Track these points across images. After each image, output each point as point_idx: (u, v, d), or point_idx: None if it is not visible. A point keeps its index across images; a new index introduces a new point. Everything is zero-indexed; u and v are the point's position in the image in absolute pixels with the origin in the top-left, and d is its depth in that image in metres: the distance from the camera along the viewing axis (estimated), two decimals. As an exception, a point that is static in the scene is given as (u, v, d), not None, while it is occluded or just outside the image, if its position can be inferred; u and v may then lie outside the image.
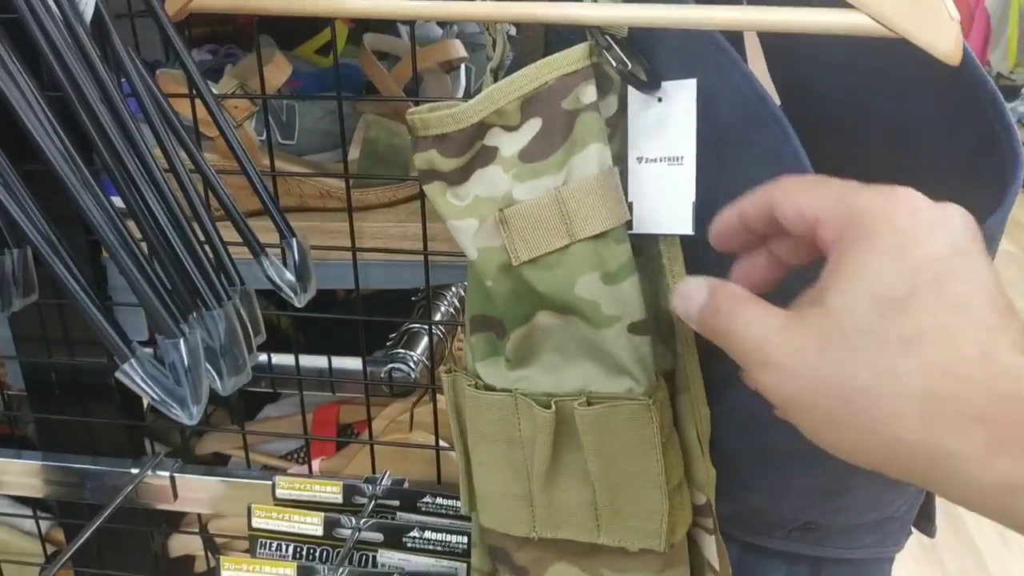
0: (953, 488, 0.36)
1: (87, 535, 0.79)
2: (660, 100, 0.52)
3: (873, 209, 0.38)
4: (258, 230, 0.62)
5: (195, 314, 0.54)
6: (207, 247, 0.58)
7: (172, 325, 0.50)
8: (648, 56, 0.53)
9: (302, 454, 1.13)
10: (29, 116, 0.48)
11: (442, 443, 0.87)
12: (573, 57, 0.52)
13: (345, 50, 1.12)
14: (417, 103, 0.72)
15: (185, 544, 1.01)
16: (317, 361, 0.92)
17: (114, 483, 0.85)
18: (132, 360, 0.50)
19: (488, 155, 0.54)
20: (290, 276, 0.64)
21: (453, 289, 1.03)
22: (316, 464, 1.04)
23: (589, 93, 0.52)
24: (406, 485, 0.77)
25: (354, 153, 0.86)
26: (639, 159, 0.52)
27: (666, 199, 0.52)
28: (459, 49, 0.91)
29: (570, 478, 0.57)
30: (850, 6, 0.47)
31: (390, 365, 0.86)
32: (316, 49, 1.25)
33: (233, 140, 0.60)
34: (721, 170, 0.52)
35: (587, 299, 0.53)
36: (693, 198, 0.51)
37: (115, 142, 0.50)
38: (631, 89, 0.53)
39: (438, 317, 0.98)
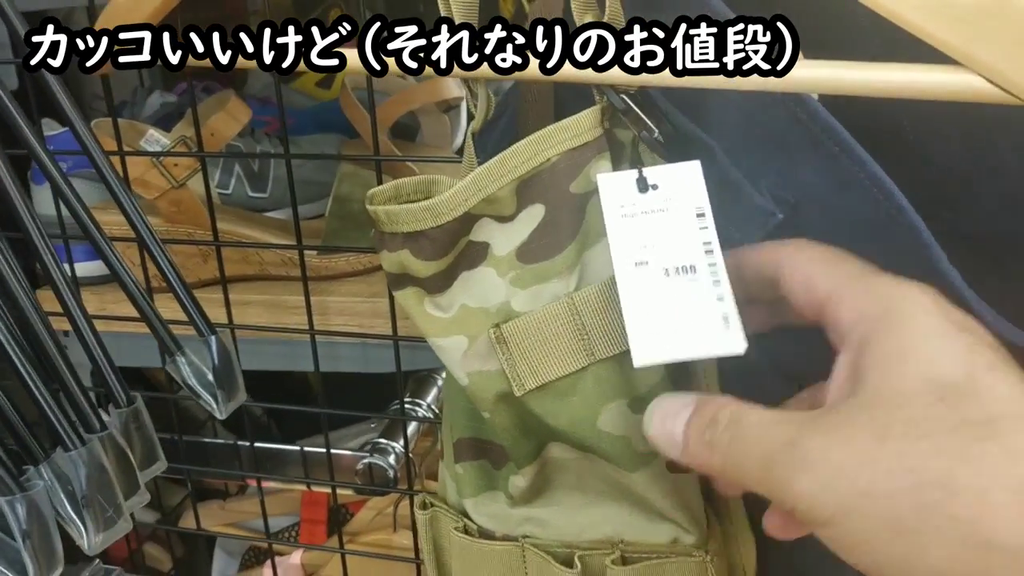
0: None
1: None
2: (654, 187, 0.39)
3: (900, 293, 0.34)
4: (207, 303, 0.50)
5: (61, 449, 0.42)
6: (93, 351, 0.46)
7: (6, 478, 0.38)
8: (690, 113, 0.41)
9: (294, 533, 1.02)
10: None
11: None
12: (582, 125, 0.40)
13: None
14: (378, 160, 0.60)
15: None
16: (290, 448, 0.79)
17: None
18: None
19: (476, 254, 0.42)
20: (211, 379, 0.51)
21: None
22: (298, 556, 0.92)
23: (603, 169, 0.40)
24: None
25: (325, 210, 0.73)
26: (638, 264, 0.38)
27: (682, 317, 0.38)
28: (454, 87, 0.78)
29: None
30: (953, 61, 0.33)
31: (367, 460, 0.73)
32: (317, 82, 1.13)
33: (129, 207, 0.48)
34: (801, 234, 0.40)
35: (613, 434, 0.41)
36: (727, 311, 0.37)
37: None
38: (601, 172, 0.40)
39: (430, 399, 0.85)
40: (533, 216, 0.41)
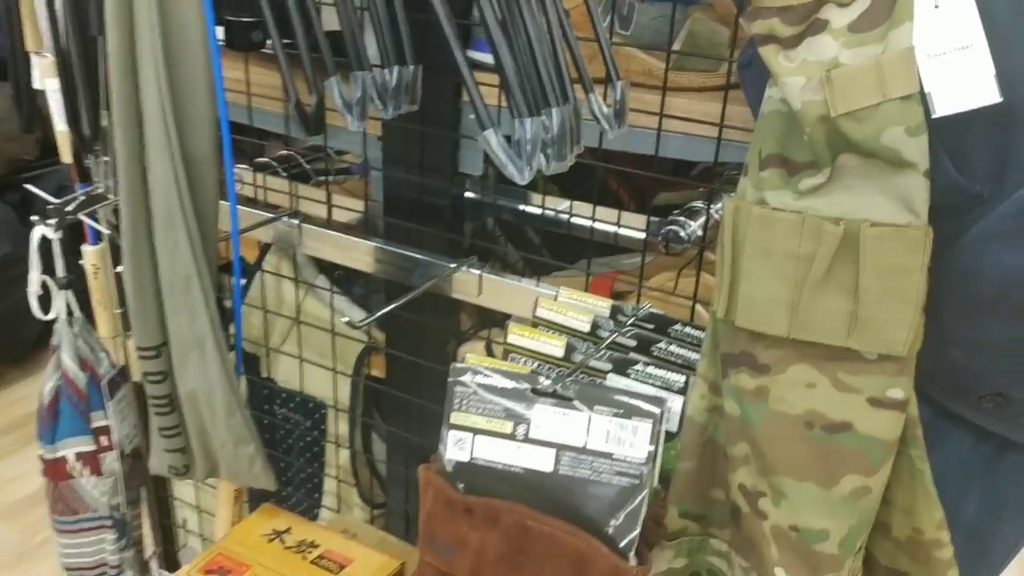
0: None
1: (403, 301, 1.01)
2: (936, 7, 0.63)
3: None
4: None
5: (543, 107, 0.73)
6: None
7: (525, 107, 0.69)
8: None
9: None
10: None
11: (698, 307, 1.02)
12: None
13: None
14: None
15: (471, 353, 1.23)
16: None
17: (436, 272, 1.08)
18: (493, 128, 0.70)
19: (819, 26, 0.67)
20: (608, 111, 0.81)
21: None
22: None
23: None
24: (661, 316, 0.94)
25: (676, 46, 1.01)
26: (928, 56, 0.63)
27: (964, 80, 0.62)
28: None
29: (836, 290, 0.69)
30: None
31: (667, 228, 1.01)
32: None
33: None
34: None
35: (889, 147, 0.64)
36: (993, 71, 0.62)
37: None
38: None
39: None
40: (863, 3, 0.65)
